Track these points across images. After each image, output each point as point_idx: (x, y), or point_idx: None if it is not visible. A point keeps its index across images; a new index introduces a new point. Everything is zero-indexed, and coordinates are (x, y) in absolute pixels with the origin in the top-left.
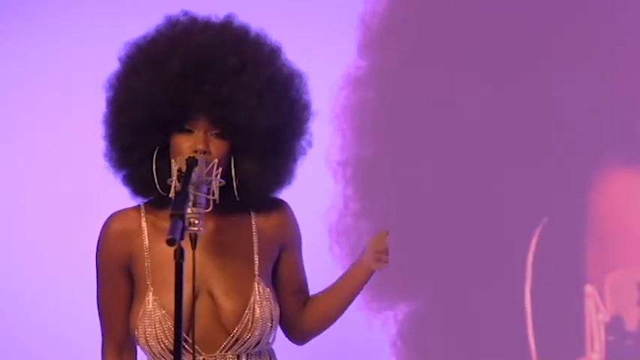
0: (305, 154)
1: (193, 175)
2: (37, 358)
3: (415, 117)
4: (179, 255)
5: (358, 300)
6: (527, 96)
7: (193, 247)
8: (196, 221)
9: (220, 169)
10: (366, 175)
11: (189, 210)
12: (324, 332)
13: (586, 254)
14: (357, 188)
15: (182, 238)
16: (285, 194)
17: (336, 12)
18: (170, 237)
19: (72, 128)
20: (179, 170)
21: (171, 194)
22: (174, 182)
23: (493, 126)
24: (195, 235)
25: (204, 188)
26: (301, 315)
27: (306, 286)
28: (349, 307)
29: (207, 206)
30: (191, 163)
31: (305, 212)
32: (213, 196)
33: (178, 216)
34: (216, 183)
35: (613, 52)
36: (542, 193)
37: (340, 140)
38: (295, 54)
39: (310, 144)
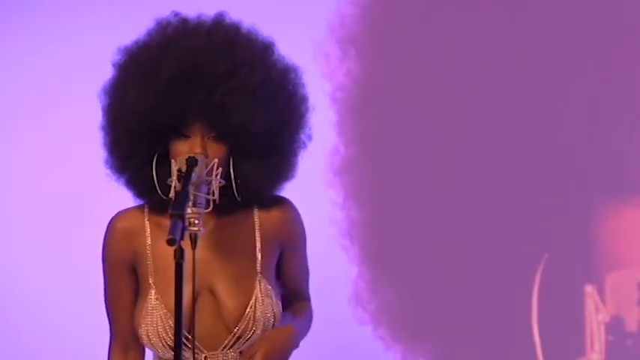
0: (305, 147)
1: (193, 175)
2: (37, 358)
3: (411, 126)
4: (179, 255)
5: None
6: (521, 101)
7: (193, 247)
8: (196, 221)
9: (220, 169)
10: (375, 237)
11: (189, 210)
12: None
13: (586, 255)
14: (356, 198)
15: (182, 238)
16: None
17: (313, 30)
18: (170, 237)
19: (72, 128)
20: (179, 170)
21: (172, 194)
22: (174, 182)
23: (492, 140)
24: (195, 235)
25: (205, 188)
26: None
27: (301, 287)
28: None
29: (207, 206)
30: (191, 163)
31: (307, 221)
32: (213, 196)
33: (178, 216)
34: (216, 183)
35: (608, 62)
36: (543, 200)
37: (337, 154)
38: None
39: (310, 137)
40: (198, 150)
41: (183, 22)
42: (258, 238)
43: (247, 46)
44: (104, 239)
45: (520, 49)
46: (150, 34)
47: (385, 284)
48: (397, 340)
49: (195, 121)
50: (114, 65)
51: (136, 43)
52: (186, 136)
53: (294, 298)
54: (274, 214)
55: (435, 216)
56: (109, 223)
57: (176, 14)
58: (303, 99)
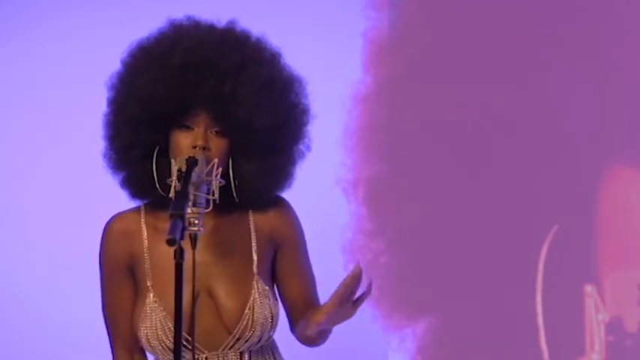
0: (304, 157)
1: (193, 175)
2: (37, 358)
3: (424, 131)
4: (179, 255)
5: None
6: (534, 103)
7: (193, 247)
8: (196, 221)
9: (220, 169)
10: (378, 193)
11: (189, 210)
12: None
13: (587, 255)
14: (370, 207)
15: (182, 238)
16: (299, 214)
17: (338, 31)
18: (170, 237)
19: (72, 128)
20: (179, 170)
21: (172, 194)
22: (174, 182)
23: (502, 136)
24: (195, 235)
25: (205, 188)
26: (299, 322)
27: (309, 293)
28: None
29: (207, 206)
30: (191, 162)
31: (319, 231)
32: (213, 195)
33: (178, 216)
34: (216, 183)
35: (612, 54)
36: (550, 198)
37: (351, 159)
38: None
39: (309, 148)
40: (200, 142)
41: (196, 23)
42: (253, 239)
43: (257, 47)
44: (101, 242)
45: (525, 55)
46: (162, 31)
47: (389, 262)
48: (398, 318)
49: (200, 112)
50: (123, 59)
51: (148, 38)
52: (189, 128)
53: (305, 304)
54: (269, 213)
55: (433, 215)
56: (105, 227)
57: (189, 17)
58: (306, 109)
